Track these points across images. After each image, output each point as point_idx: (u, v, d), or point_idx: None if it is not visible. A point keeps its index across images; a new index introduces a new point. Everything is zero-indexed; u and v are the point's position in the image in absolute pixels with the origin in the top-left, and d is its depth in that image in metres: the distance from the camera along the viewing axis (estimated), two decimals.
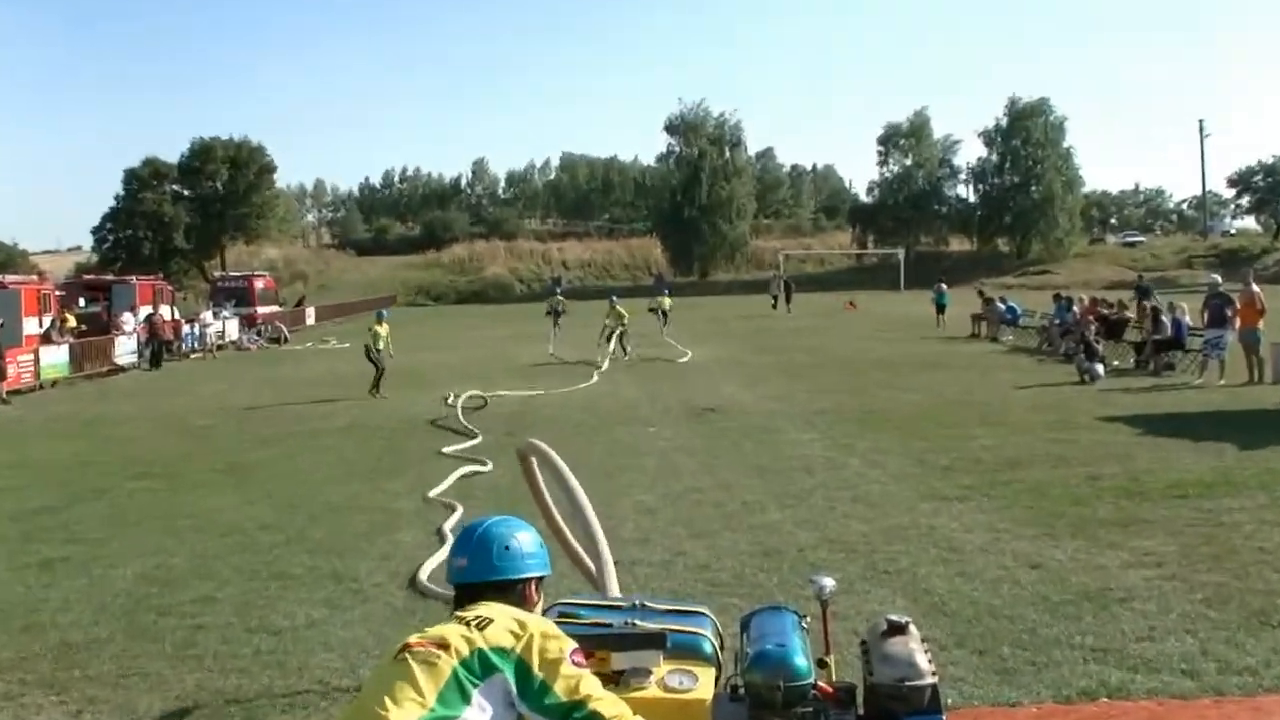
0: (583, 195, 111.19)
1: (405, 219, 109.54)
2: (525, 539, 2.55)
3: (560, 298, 33.47)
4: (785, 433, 12.07)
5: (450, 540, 7.26)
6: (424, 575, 6.58)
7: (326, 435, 13.34)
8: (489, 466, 10.50)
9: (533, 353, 24.49)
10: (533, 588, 2.54)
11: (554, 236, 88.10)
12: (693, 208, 67.82)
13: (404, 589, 6.38)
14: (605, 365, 20.87)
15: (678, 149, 71.48)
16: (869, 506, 8.11)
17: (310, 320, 44.95)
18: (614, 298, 25.01)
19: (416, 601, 6.10)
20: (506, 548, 2.50)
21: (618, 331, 23.20)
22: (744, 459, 10.46)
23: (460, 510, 8.32)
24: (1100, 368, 16.67)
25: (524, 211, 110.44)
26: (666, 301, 32.18)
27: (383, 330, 17.69)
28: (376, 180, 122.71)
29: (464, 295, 65.87)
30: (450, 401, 15.26)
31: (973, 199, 73.26)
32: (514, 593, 2.47)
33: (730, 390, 16.58)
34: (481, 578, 2.47)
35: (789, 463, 10.11)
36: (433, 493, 9.30)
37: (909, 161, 72.99)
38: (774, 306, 41.79)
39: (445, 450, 11.61)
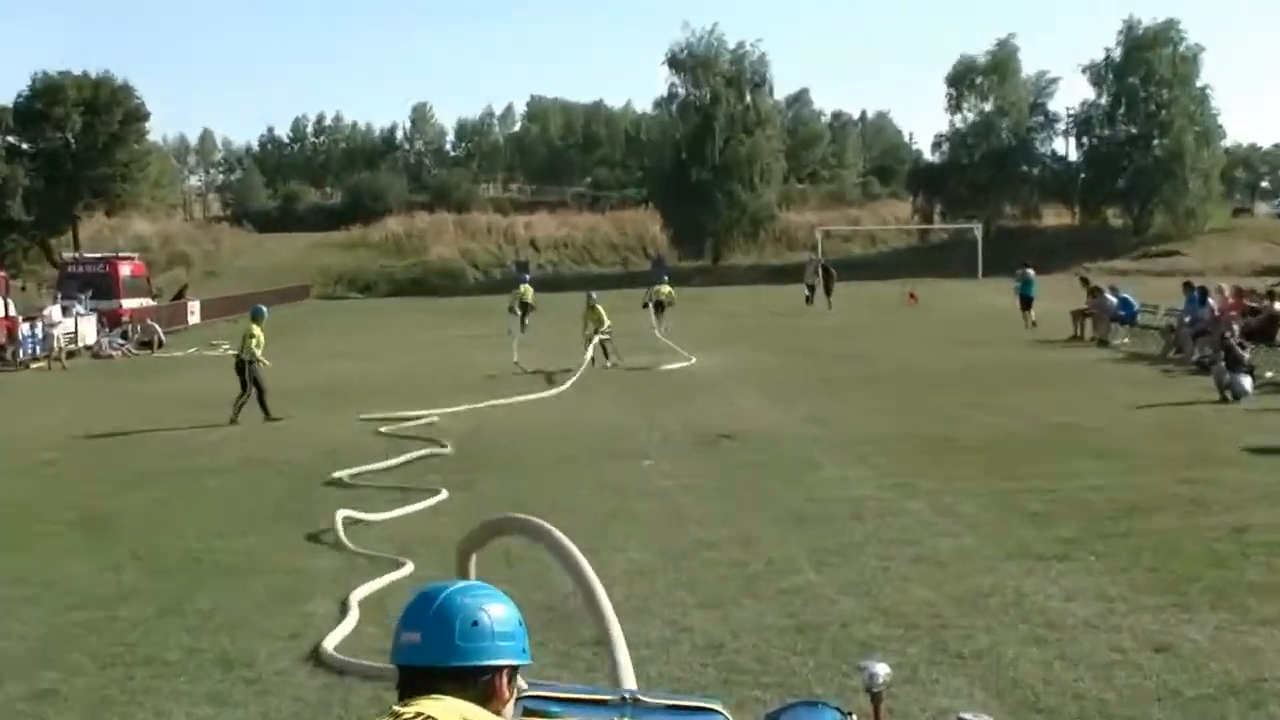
0: (557, 153, 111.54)
1: (322, 184, 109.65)
2: (499, 614, 2.48)
3: (528, 289, 33.51)
4: (824, 467, 12.10)
5: (355, 612, 7.27)
6: (330, 645, 6.61)
7: (214, 472, 13.30)
8: (443, 495, 10.80)
9: (492, 361, 24.46)
10: (504, 680, 2.48)
11: (519, 207, 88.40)
12: (702, 169, 67.90)
13: (316, 676, 6.35)
14: (582, 371, 21.04)
15: (682, 91, 71.57)
16: (937, 566, 8.11)
17: (194, 318, 44.87)
18: (592, 295, 25.06)
19: (333, 692, 6.08)
20: (474, 624, 2.43)
21: (597, 339, 23.39)
22: (770, 502, 10.47)
23: (409, 568, 8.33)
24: (1247, 381, 16.66)
25: (480, 174, 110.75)
26: (665, 290, 32.24)
27: (259, 333, 17.73)
28: (283, 132, 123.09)
29: (400, 285, 65.93)
30: (383, 430, 15.54)
31: (1074, 156, 73.59)
32: (477, 685, 2.41)
33: (751, 410, 16.63)
34: (437, 661, 2.40)
35: (830, 507, 10.11)
36: (341, 530, 9.47)
37: (989, 107, 73.00)
38: (809, 299, 41.86)
39: (345, 474, 11.98)
